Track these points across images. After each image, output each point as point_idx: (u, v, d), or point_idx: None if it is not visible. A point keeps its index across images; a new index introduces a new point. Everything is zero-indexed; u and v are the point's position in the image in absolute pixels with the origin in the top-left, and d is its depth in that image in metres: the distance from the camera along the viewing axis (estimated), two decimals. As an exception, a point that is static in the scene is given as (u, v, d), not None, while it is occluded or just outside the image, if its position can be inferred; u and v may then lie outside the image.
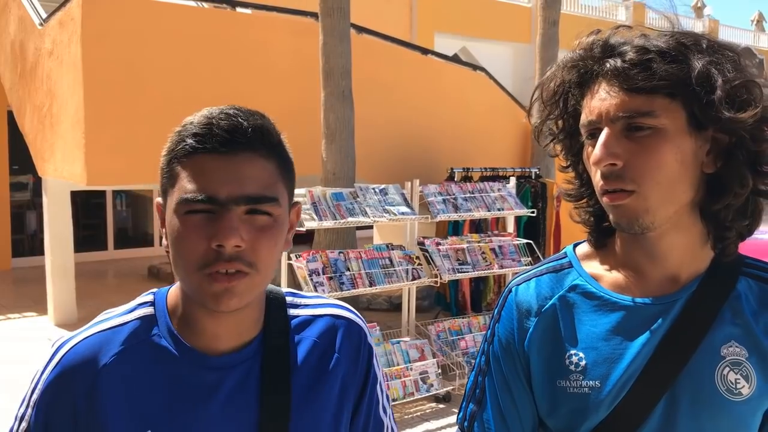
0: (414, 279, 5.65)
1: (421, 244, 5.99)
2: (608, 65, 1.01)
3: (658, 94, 0.98)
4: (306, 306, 1.15)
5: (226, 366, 1.02)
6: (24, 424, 1.00)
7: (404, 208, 5.83)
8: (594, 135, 1.03)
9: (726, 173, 1.02)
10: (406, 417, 5.15)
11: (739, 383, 1.02)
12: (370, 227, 9.90)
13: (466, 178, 7.63)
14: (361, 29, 8.13)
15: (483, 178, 7.57)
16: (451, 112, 9.01)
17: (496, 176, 7.78)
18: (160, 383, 1.00)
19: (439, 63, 9.30)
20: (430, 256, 5.89)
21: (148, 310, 1.06)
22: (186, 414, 0.99)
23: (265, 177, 0.97)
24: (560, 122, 1.13)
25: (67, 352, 1.01)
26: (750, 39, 27.38)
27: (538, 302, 1.13)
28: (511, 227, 6.81)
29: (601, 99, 1.01)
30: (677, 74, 0.98)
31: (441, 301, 7.80)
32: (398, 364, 5.37)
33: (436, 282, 5.83)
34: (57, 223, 7.71)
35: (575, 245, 1.20)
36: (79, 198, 11.01)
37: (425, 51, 9.34)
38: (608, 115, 1.00)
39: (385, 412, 1.19)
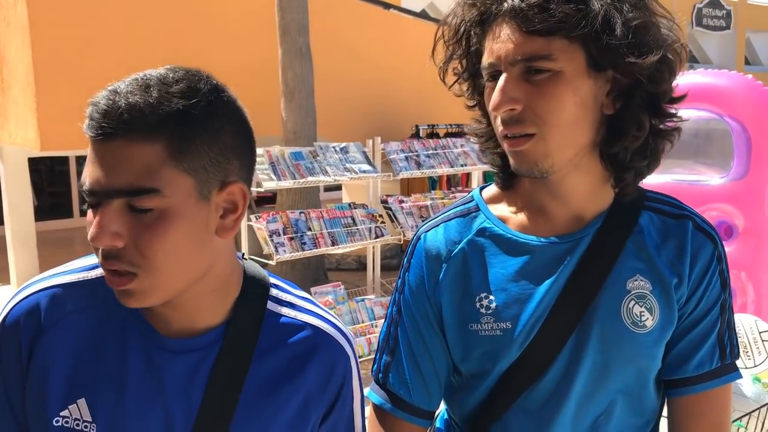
0: (377, 237, 5.63)
1: (384, 202, 5.95)
2: (506, 5, 0.99)
3: (556, 36, 0.97)
4: (291, 306, 1.05)
5: (176, 350, 0.96)
6: None
7: (366, 166, 5.78)
8: (495, 77, 1.02)
9: (624, 115, 1.02)
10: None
11: (643, 316, 1.05)
12: (339, 188, 9.83)
13: (432, 135, 7.58)
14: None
15: (449, 135, 7.52)
16: (415, 68, 8.85)
17: (462, 132, 7.73)
18: (107, 352, 0.95)
19: (402, 18, 9.14)
20: (394, 214, 5.86)
21: None
22: (126, 392, 0.94)
23: (141, 165, 0.84)
24: (464, 62, 1.11)
25: (22, 299, 0.97)
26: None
27: (447, 247, 1.12)
28: (476, 183, 6.79)
29: (500, 41, 1.00)
30: (575, 15, 0.96)
31: (408, 258, 7.79)
32: (363, 322, 5.39)
33: (399, 239, 5.82)
34: (15, 192, 7.55)
35: (482, 188, 1.20)
36: (42, 165, 10.77)
37: (387, 6, 9.16)
38: (507, 58, 0.99)
39: None
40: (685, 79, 3.18)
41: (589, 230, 1.08)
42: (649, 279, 1.06)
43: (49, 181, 11.54)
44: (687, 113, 3.33)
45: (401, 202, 5.94)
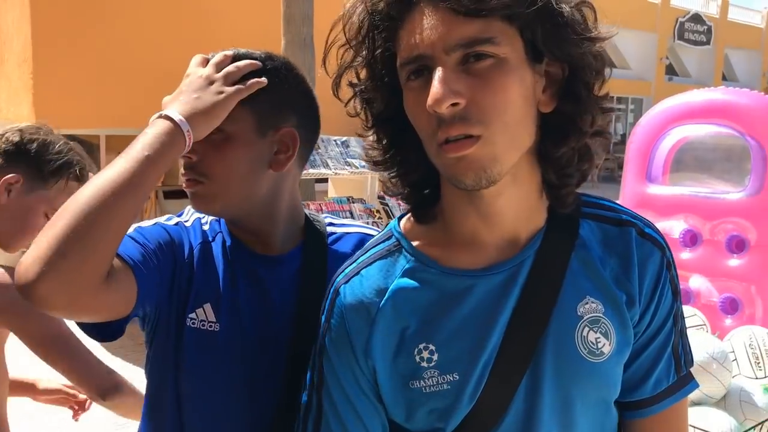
0: (374, 232, 5.67)
1: (381, 198, 5.99)
2: None
3: (494, 17, 0.82)
4: (342, 225, 1.32)
5: (269, 263, 1.21)
6: None
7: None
8: (420, 73, 0.85)
9: (571, 109, 0.89)
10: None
11: (600, 342, 0.92)
12: (325, 180, 9.84)
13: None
14: (322, -24, 7.92)
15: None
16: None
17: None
18: (223, 271, 1.19)
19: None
20: (390, 210, 5.91)
21: None
22: (240, 297, 1.18)
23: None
24: (365, 69, 0.93)
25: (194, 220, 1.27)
26: (699, 5, 27.84)
27: (371, 299, 0.96)
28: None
29: (430, 27, 0.83)
30: None
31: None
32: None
33: (395, 235, 5.85)
34: None
35: (399, 219, 1.03)
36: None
37: None
38: (441, 45, 0.82)
39: None
40: (706, 95, 3.27)
41: (528, 252, 0.94)
42: (600, 299, 0.93)
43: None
44: (707, 129, 3.39)
45: (398, 198, 5.97)
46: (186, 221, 1.23)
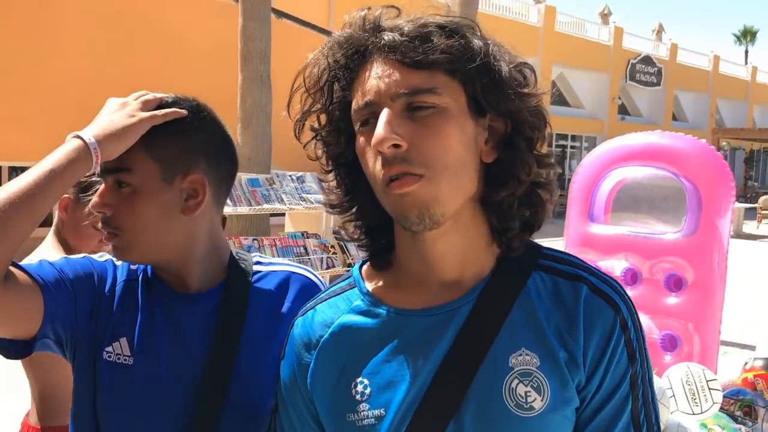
0: (329, 267, 5.67)
1: (336, 233, 6.00)
2: (385, 38, 0.91)
3: (437, 70, 0.89)
4: (269, 264, 1.34)
5: (188, 302, 1.24)
6: None
7: (321, 197, 5.83)
8: (369, 121, 0.91)
9: (509, 159, 0.93)
10: None
11: (530, 396, 0.90)
12: (282, 215, 9.82)
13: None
14: (281, 14, 8.02)
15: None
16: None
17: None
18: (141, 306, 1.23)
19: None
20: (345, 246, 5.92)
21: None
22: (155, 334, 1.22)
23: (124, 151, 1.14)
24: (323, 116, 0.99)
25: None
26: (650, 48, 28.83)
27: (318, 333, 1.01)
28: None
29: (378, 76, 0.90)
30: (459, 48, 0.89)
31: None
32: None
33: (348, 270, 5.86)
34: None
35: (364, 261, 1.07)
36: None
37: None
38: (388, 93, 0.89)
39: None
40: (646, 139, 3.40)
41: (469, 298, 0.95)
42: (537, 353, 0.91)
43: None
44: (646, 171, 3.51)
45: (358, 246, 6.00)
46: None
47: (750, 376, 3.02)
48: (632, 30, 26.98)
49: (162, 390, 1.20)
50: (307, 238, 5.70)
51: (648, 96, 28.60)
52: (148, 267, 1.27)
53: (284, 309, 1.27)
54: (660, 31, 30.75)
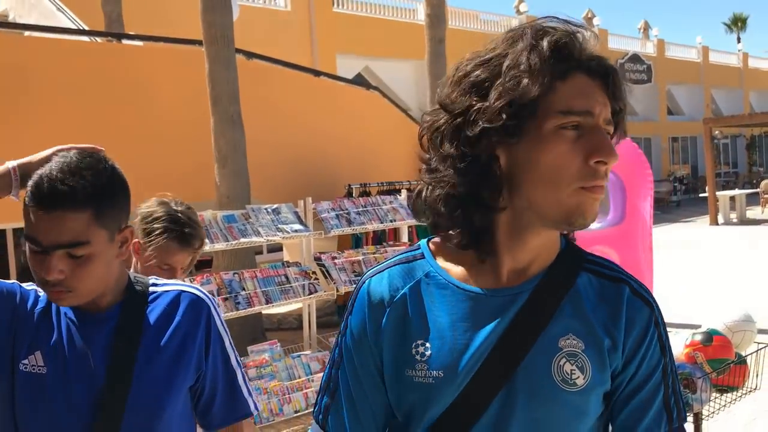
0: (311, 293, 5.81)
1: (317, 259, 6.16)
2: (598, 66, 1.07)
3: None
4: (164, 284, 1.57)
5: (93, 320, 1.46)
6: None
7: (297, 226, 6.00)
8: (578, 127, 1.02)
9: None
10: (309, 426, 5.27)
11: (574, 374, 1.05)
12: (280, 249, 9.99)
13: (364, 193, 7.87)
14: (251, 55, 8.29)
15: (381, 192, 7.82)
16: (346, 131, 9.26)
17: (394, 189, 8.05)
18: (55, 323, 1.44)
19: (332, 84, 9.55)
20: (327, 270, 6.07)
21: None
22: (66, 342, 1.44)
23: (77, 227, 1.32)
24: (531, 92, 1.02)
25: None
26: (637, 46, 28.98)
27: (390, 293, 1.14)
28: (405, 237, 7.08)
29: (595, 95, 1.04)
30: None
31: (342, 312, 7.97)
32: (299, 377, 5.50)
33: (332, 294, 6.01)
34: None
35: (429, 239, 1.21)
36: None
37: (318, 73, 9.58)
38: (602, 114, 1.04)
39: (238, 364, 1.61)
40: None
41: (528, 286, 1.09)
42: (583, 339, 1.06)
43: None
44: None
45: (334, 258, 6.16)
46: None
47: (690, 350, 3.15)
48: (620, 31, 27.14)
49: (72, 394, 1.40)
50: (288, 266, 5.86)
51: (641, 93, 28.65)
52: None
53: (175, 322, 1.51)
54: (646, 28, 30.94)
